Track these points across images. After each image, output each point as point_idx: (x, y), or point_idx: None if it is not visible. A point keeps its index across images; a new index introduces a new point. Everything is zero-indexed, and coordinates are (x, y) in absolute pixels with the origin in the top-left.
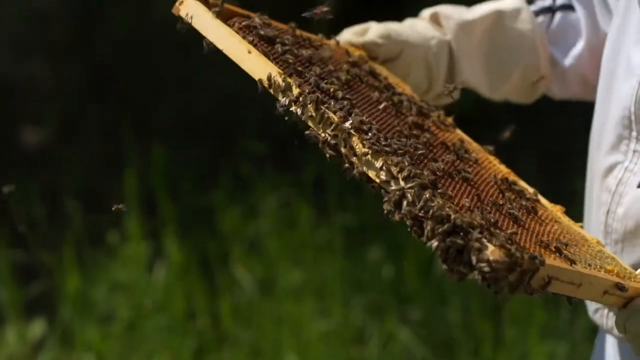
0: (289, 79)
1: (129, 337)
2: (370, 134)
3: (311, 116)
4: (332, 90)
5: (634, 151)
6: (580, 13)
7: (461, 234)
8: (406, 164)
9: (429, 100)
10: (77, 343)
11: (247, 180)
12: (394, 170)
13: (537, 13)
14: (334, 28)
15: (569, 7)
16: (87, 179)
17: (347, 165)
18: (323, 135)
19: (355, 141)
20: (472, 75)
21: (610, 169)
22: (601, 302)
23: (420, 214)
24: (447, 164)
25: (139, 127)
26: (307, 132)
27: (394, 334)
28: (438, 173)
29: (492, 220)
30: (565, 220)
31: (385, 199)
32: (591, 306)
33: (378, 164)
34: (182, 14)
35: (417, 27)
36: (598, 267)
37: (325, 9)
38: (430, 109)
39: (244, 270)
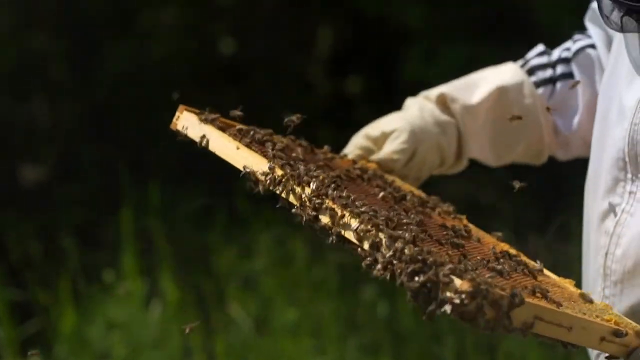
0: (273, 163)
1: None
2: (348, 201)
3: (292, 191)
4: (321, 177)
5: (630, 192)
6: (578, 78)
7: (430, 270)
8: (382, 222)
9: (440, 173)
10: None
11: (243, 218)
12: (368, 227)
13: (538, 84)
14: (332, 68)
15: (568, 75)
16: (83, 217)
17: (326, 230)
18: (301, 207)
19: (332, 205)
20: (479, 152)
21: (607, 212)
22: (601, 349)
23: (393, 260)
24: (439, 234)
25: (135, 165)
26: (293, 211)
27: None
28: (420, 235)
29: (469, 266)
30: (573, 288)
31: (363, 256)
32: (593, 352)
33: (354, 223)
34: (179, 127)
35: (426, 116)
36: (594, 316)
37: (298, 116)
38: (443, 209)
39: (239, 308)
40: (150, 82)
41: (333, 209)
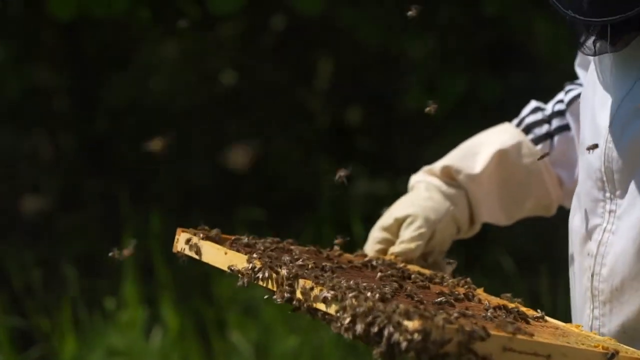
0: (252, 258)
1: None
2: (315, 274)
3: (269, 278)
4: (303, 263)
5: (610, 211)
6: (574, 128)
7: (382, 316)
8: (345, 287)
9: (458, 237)
10: None
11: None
12: (336, 294)
13: (536, 142)
14: (332, 98)
15: (565, 128)
16: (84, 246)
17: (296, 304)
18: (278, 290)
19: (303, 281)
20: (490, 215)
21: (590, 234)
22: None
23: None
24: (430, 298)
25: (136, 195)
26: (273, 297)
27: None
28: (397, 299)
29: (434, 312)
30: (577, 331)
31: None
32: None
33: (322, 293)
34: (179, 248)
35: (434, 195)
36: (579, 344)
37: (344, 173)
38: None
39: (240, 335)
40: (151, 114)
41: (304, 284)
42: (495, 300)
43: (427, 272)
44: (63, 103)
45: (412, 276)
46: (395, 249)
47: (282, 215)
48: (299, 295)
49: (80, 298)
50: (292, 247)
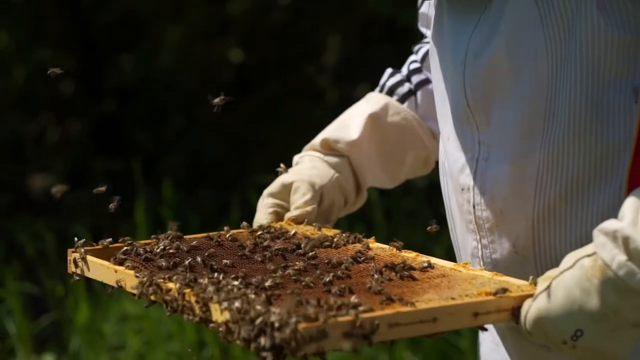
0: (138, 274)
1: None
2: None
3: (156, 293)
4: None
5: (479, 142)
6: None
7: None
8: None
9: (347, 211)
10: None
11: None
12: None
13: (402, 100)
14: (341, 75)
15: (425, 82)
16: (94, 220)
17: (188, 316)
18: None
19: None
20: (375, 179)
21: (463, 168)
22: (481, 324)
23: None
24: (316, 276)
25: (147, 172)
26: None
27: None
28: (276, 292)
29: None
30: (465, 271)
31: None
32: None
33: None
34: (73, 269)
35: (318, 164)
36: (464, 296)
37: (222, 98)
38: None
39: None
40: (159, 92)
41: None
42: (383, 255)
43: (318, 232)
44: (70, 85)
45: (302, 245)
46: (292, 214)
47: None
48: (195, 309)
49: None
50: (186, 238)
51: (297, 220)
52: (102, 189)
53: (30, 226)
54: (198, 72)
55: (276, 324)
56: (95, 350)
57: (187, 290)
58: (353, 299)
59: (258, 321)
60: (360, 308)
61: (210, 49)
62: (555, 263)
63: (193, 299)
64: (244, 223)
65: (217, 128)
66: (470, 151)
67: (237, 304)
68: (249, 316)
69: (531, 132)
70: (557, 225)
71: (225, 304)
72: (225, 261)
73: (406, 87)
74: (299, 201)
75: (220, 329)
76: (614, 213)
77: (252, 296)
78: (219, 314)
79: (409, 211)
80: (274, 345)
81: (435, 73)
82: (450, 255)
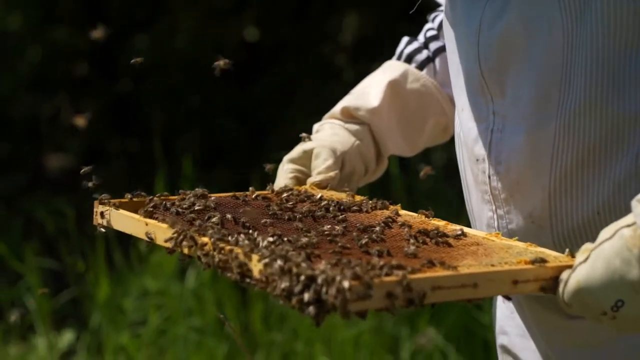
0: (164, 224)
1: (160, 342)
2: (239, 236)
3: (190, 247)
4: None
5: (494, 112)
6: None
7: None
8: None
9: (368, 179)
10: (107, 349)
11: None
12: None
13: (421, 67)
14: (357, 54)
15: (444, 49)
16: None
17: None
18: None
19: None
20: (395, 147)
21: (477, 139)
22: (520, 292)
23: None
24: (349, 239)
25: (165, 150)
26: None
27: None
28: (315, 252)
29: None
30: (498, 240)
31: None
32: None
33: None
34: (99, 221)
35: (338, 131)
36: (503, 263)
37: (226, 61)
38: (371, 206)
39: None
40: (174, 72)
41: (236, 252)
42: (413, 222)
43: (343, 196)
44: (85, 66)
45: (331, 208)
46: (315, 179)
47: None
48: (232, 263)
49: (113, 239)
50: (212, 197)
51: (320, 186)
52: (88, 169)
53: (48, 203)
54: (213, 52)
55: (321, 281)
56: (116, 326)
57: (223, 245)
58: (394, 261)
59: (302, 277)
60: (408, 269)
61: (226, 27)
62: (572, 232)
63: (230, 254)
64: (270, 185)
65: (233, 108)
66: (484, 122)
67: (279, 260)
68: (293, 272)
69: (546, 103)
70: (574, 195)
71: (266, 259)
72: (264, 220)
73: (424, 54)
74: (321, 166)
75: (259, 283)
76: (630, 182)
77: (293, 252)
78: (259, 269)
79: (429, 188)
80: (318, 301)
81: (449, 44)
82: None
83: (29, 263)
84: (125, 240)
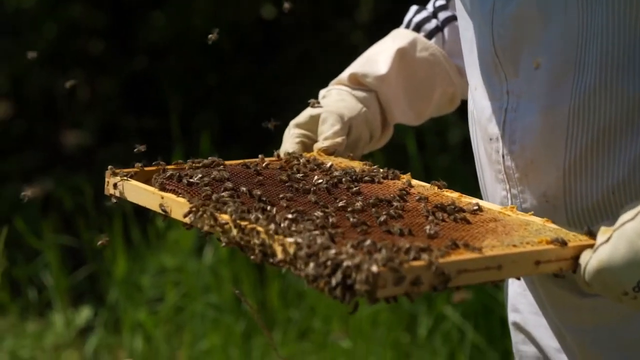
0: (181, 198)
1: (177, 319)
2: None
3: (211, 226)
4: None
5: (508, 92)
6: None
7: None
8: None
9: (372, 147)
10: (125, 326)
11: None
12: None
13: (430, 36)
14: (373, 31)
15: (452, 18)
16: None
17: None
18: (224, 233)
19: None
20: (402, 115)
21: (491, 118)
22: (542, 272)
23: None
24: (366, 215)
25: (182, 127)
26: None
27: (443, 316)
28: (334, 231)
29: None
30: (514, 215)
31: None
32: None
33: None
34: (111, 191)
35: (346, 97)
36: (530, 241)
37: (273, 123)
38: (383, 175)
39: None
40: (191, 49)
41: (252, 229)
42: (427, 194)
43: (354, 165)
44: (100, 43)
45: (344, 180)
46: (322, 144)
47: None
48: (254, 240)
49: (131, 216)
50: (224, 163)
51: (327, 152)
52: (142, 148)
53: (65, 180)
54: (231, 30)
55: (350, 266)
56: (133, 302)
57: (245, 223)
58: (421, 242)
59: (330, 262)
60: (434, 252)
61: (242, 5)
62: (587, 212)
63: (252, 233)
64: (276, 152)
65: (250, 85)
66: (498, 101)
67: (305, 242)
68: (321, 257)
69: (561, 82)
70: (589, 175)
71: (291, 240)
72: (283, 195)
73: (433, 23)
74: (328, 132)
75: (282, 264)
76: None
77: (316, 232)
78: (283, 250)
79: (446, 167)
80: (345, 286)
81: (463, 22)
82: None
83: (47, 240)
84: (142, 217)
